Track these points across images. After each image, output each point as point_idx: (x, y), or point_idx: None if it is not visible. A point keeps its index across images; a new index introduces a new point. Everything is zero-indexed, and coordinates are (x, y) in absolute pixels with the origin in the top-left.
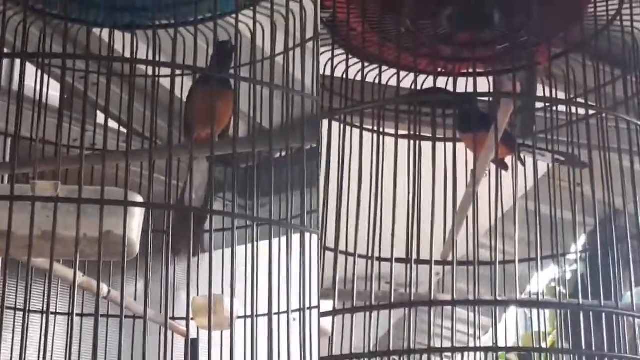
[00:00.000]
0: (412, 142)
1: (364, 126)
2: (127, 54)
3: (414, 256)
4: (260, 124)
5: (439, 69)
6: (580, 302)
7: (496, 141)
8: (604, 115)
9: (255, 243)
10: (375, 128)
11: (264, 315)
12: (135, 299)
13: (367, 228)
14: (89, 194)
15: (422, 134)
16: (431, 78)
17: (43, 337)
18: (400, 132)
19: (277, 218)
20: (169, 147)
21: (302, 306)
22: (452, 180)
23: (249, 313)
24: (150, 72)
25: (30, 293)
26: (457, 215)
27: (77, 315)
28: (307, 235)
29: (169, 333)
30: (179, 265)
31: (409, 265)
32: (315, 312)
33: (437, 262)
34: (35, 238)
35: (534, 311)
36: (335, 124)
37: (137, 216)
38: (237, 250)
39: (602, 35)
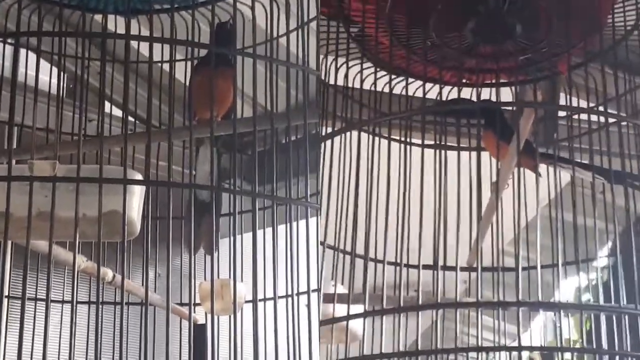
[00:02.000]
0: (437, 151)
1: (392, 137)
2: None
3: (441, 262)
4: (265, 106)
5: (464, 80)
6: (601, 303)
7: (518, 148)
8: (623, 123)
9: (275, 224)
10: (403, 138)
11: (283, 297)
12: (143, 284)
13: (395, 236)
14: (88, 172)
15: (447, 143)
16: (456, 89)
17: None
18: (427, 142)
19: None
20: (168, 129)
21: (308, 289)
22: (477, 189)
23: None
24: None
25: (42, 282)
26: (482, 222)
27: (79, 303)
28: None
29: (177, 319)
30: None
31: (435, 272)
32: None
33: (463, 269)
34: (34, 219)
35: (561, 318)
36: (364, 135)
37: (137, 195)
38: (244, 236)
39: (621, 45)
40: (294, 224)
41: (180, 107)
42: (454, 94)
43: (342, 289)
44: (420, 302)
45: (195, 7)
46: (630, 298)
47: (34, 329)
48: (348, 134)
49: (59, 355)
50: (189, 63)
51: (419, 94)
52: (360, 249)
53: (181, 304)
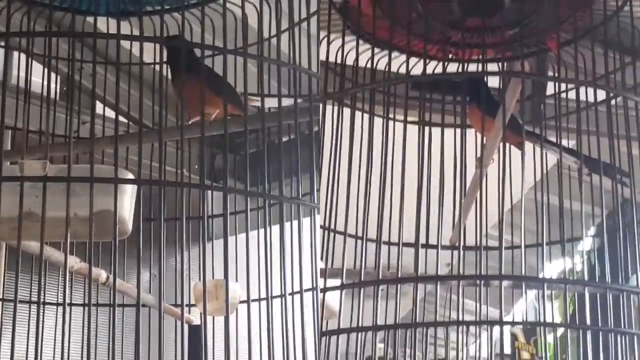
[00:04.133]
0: (421, 128)
1: (375, 112)
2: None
3: (423, 241)
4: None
5: (450, 55)
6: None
7: (504, 121)
8: (611, 97)
9: (268, 220)
10: (385, 114)
11: (278, 297)
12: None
13: (377, 213)
14: (79, 172)
15: (432, 120)
16: (441, 65)
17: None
18: (410, 119)
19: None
20: (159, 130)
21: (314, 285)
22: (461, 166)
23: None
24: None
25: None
26: (465, 200)
27: (74, 305)
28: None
29: (174, 320)
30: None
31: (416, 249)
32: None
33: (445, 247)
34: (25, 219)
35: (541, 298)
36: (346, 111)
37: (128, 194)
38: (238, 237)
39: (611, 22)
40: (287, 223)
41: (174, 107)
42: (439, 70)
43: (321, 264)
44: (399, 273)
45: (185, 9)
46: (614, 280)
47: (28, 331)
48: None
49: (53, 357)
50: None
51: (403, 70)
52: (340, 226)
53: (176, 305)
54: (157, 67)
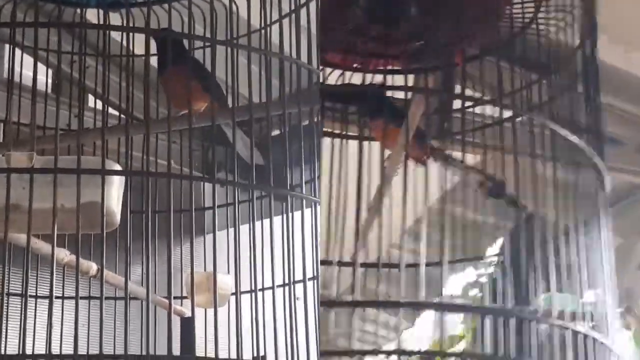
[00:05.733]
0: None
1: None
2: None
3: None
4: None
5: (354, 65)
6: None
7: (407, 138)
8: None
9: (254, 215)
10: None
11: (268, 289)
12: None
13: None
14: (65, 163)
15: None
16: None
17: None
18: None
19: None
20: (145, 122)
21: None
22: (358, 179)
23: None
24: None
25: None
26: (368, 214)
27: (66, 298)
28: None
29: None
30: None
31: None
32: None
33: (342, 264)
34: (12, 211)
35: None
36: None
37: (115, 185)
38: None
39: (518, 39)
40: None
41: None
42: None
43: None
44: None
45: (172, 1)
46: (518, 298)
47: (20, 324)
48: None
49: (47, 349)
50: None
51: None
52: None
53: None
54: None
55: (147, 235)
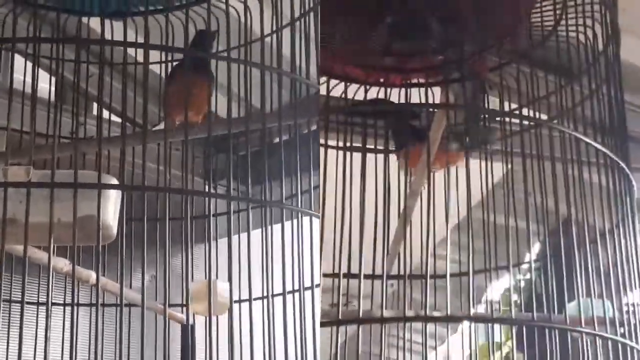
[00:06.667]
0: (341, 153)
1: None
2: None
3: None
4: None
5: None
6: (514, 316)
7: (429, 154)
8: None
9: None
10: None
11: (259, 298)
12: (132, 287)
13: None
14: (62, 177)
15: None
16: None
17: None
18: (332, 143)
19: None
20: (142, 133)
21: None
22: (383, 191)
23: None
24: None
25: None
26: (398, 227)
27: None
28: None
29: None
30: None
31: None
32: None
33: (367, 276)
34: (8, 225)
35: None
36: None
37: (112, 199)
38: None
39: (540, 47)
40: (269, 227)
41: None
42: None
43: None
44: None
45: (170, 11)
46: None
47: (20, 331)
48: None
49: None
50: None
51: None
52: None
53: (171, 305)
54: (153, 68)
55: (143, 245)
